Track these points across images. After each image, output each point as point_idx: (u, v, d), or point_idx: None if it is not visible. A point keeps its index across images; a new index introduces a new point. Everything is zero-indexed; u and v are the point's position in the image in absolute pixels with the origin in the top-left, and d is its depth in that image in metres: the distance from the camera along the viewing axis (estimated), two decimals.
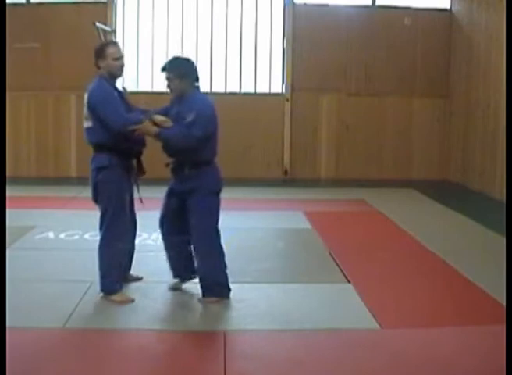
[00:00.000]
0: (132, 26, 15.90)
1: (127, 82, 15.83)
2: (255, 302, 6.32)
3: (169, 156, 6.34)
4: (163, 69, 6.21)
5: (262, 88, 16.01)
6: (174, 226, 6.44)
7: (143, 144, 6.41)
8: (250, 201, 12.08)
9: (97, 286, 6.49)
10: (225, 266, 6.36)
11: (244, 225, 9.88)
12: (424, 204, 12.62)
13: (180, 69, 6.19)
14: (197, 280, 6.45)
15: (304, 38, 15.67)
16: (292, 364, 4.89)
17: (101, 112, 6.12)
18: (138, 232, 9.03)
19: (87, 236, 8.97)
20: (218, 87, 15.82)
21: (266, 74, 16.06)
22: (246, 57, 16.01)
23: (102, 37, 14.61)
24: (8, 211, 10.38)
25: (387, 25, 15.73)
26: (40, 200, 12.10)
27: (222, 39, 15.93)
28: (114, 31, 15.54)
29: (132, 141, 6.20)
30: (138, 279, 6.89)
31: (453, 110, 15.69)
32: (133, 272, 6.90)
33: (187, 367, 4.83)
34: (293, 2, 15.69)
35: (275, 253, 8.48)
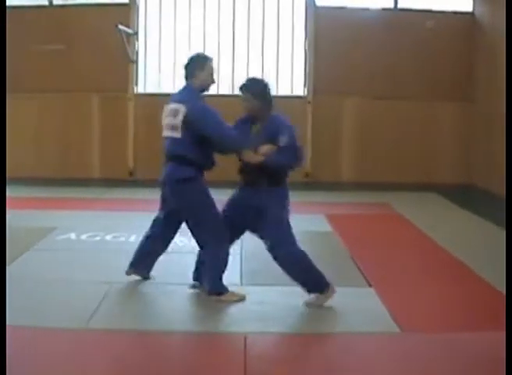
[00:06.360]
0: (154, 29, 15.96)
1: (148, 84, 15.94)
2: (276, 305, 6.30)
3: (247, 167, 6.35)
4: (240, 89, 6.33)
5: (284, 91, 15.99)
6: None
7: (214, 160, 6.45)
8: None
9: (118, 286, 6.58)
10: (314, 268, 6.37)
11: None
12: (446, 208, 12.57)
13: (257, 89, 6.30)
14: None
15: (326, 41, 15.63)
16: (312, 368, 4.87)
17: (206, 130, 6.11)
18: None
19: (108, 237, 9.03)
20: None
21: (288, 77, 16.05)
22: (268, 59, 16.02)
23: (125, 40, 14.69)
24: (30, 212, 10.57)
25: (409, 28, 15.66)
26: (63, 201, 12.16)
27: (244, 41, 15.94)
28: (136, 34, 15.60)
29: (211, 156, 6.33)
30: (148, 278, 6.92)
31: (477, 113, 15.60)
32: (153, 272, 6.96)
33: (208, 369, 4.82)
34: (314, 5, 15.68)
35: None
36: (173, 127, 6.20)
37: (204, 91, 6.39)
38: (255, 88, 6.31)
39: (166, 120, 6.31)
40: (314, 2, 15.72)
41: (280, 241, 6.21)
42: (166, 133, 6.31)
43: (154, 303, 6.32)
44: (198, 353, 5.16)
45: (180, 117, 6.12)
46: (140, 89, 15.86)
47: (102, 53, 15.28)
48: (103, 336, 5.42)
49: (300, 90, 16.02)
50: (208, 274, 6.38)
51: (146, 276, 6.88)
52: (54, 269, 7.37)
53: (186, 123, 6.11)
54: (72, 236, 9.09)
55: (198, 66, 6.31)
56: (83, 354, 5.00)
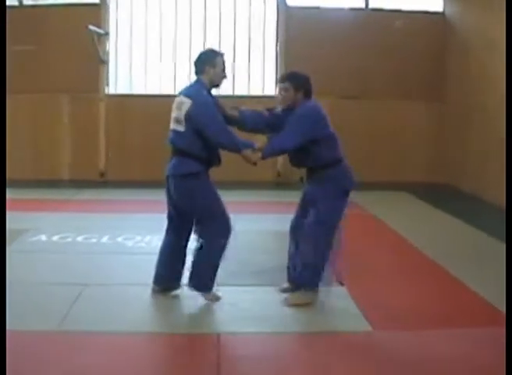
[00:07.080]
0: (125, 29, 15.90)
1: (119, 84, 15.86)
2: (249, 305, 6.33)
3: (294, 167, 6.73)
4: (281, 80, 6.48)
5: (255, 91, 16.01)
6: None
7: (219, 157, 6.39)
8: (243, 204, 12.04)
9: (90, 288, 6.55)
10: (322, 268, 6.45)
11: (237, 228, 9.78)
12: (418, 207, 12.62)
13: (297, 82, 6.48)
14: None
15: (298, 40, 15.64)
16: (285, 367, 4.89)
17: (204, 125, 6.07)
18: (131, 235, 9.15)
19: (79, 238, 8.98)
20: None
21: (259, 76, 16.06)
22: (239, 59, 16.02)
23: (95, 40, 14.63)
24: None
25: (381, 28, 15.69)
26: (34, 203, 12.08)
27: (216, 41, 15.92)
28: (107, 34, 15.52)
29: (216, 151, 6.28)
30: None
31: (449, 113, 15.68)
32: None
33: (181, 369, 4.82)
34: (286, 4, 15.70)
35: (268, 256, 8.46)
36: (178, 120, 6.17)
37: (215, 86, 6.42)
38: (297, 80, 6.51)
39: (173, 113, 6.27)
40: (285, 2, 15.74)
41: (307, 238, 6.44)
42: (172, 125, 6.27)
43: (125, 304, 6.27)
44: (172, 354, 5.16)
45: (184, 111, 6.09)
46: (111, 90, 15.78)
47: (73, 53, 15.18)
48: (75, 338, 5.39)
49: (271, 89, 16.02)
50: (203, 271, 6.32)
51: (170, 287, 6.58)
52: (25, 270, 7.33)
53: (188, 116, 6.07)
54: (43, 237, 9.04)
55: (208, 62, 6.28)
56: (54, 356, 4.98)
